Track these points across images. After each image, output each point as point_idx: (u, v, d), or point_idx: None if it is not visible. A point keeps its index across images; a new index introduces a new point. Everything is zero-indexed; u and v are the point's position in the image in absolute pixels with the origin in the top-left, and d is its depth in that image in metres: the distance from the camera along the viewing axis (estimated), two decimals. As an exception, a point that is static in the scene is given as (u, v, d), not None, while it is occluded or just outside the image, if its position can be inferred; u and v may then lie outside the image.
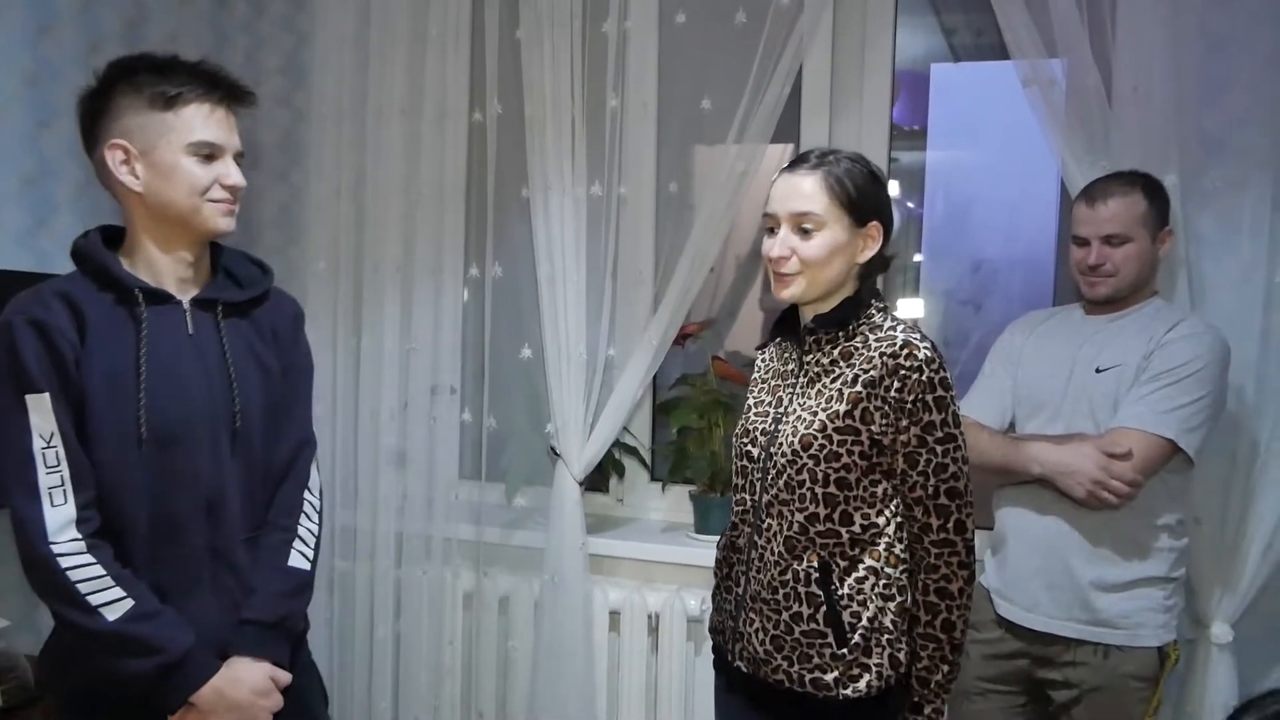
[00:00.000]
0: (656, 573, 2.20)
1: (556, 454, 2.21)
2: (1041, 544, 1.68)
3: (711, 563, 2.08)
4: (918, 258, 2.84)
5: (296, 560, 1.38)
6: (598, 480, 2.37)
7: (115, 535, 1.25)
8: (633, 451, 2.36)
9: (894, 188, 2.47)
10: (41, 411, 1.19)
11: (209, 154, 1.27)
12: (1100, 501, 1.57)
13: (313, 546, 1.41)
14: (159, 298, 1.28)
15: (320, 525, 1.44)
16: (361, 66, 2.32)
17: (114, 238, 1.32)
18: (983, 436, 1.74)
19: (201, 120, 1.26)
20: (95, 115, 1.27)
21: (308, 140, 2.39)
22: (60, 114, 2.05)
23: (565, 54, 2.16)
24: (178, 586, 1.28)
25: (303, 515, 1.41)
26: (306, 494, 1.42)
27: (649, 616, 2.16)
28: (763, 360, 1.54)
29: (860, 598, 1.32)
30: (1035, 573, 1.68)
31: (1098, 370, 1.67)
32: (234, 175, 1.29)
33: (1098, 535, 1.62)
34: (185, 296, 1.31)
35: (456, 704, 2.33)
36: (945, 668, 1.33)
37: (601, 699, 2.20)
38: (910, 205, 2.77)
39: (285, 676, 1.33)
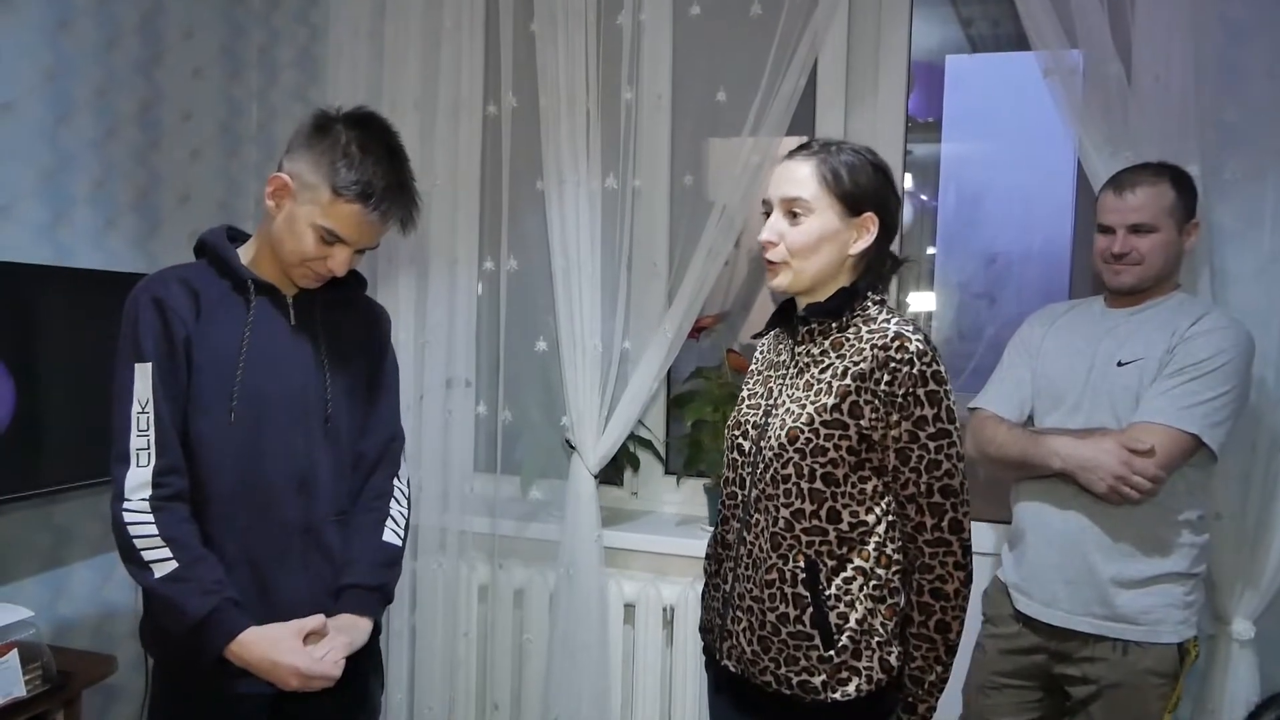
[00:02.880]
0: (671, 565, 2.20)
1: (571, 447, 2.21)
2: (1061, 539, 1.67)
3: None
4: (931, 250, 2.83)
5: (389, 537, 1.48)
6: (612, 473, 2.36)
7: (209, 504, 1.33)
8: (647, 444, 2.36)
9: (908, 180, 2.45)
10: (144, 379, 1.29)
11: (333, 240, 1.35)
12: (1121, 497, 1.56)
13: (403, 528, 1.51)
14: (268, 289, 1.39)
15: (409, 511, 1.53)
16: (376, 59, 2.32)
17: (233, 236, 1.45)
18: (1001, 430, 1.73)
19: (352, 223, 1.34)
20: (299, 136, 1.35)
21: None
22: (79, 108, 2.06)
23: (580, 46, 2.16)
24: (269, 559, 1.36)
25: (393, 500, 1.51)
26: (396, 481, 1.53)
27: (664, 609, 2.16)
28: (760, 351, 1.52)
29: (848, 598, 1.28)
30: (1054, 568, 1.67)
31: (1119, 364, 1.65)
32: (338, 265, 1.37)
33: (1118, 531, 1.61)
34: (290, 293, 1.43)
35: (471, 696, 2.34)
36: (939, 668, 1.29)
37: (616, 691, 2.21)
38: (924, 198, 2.75)
39: (316, 622, 1.35)
